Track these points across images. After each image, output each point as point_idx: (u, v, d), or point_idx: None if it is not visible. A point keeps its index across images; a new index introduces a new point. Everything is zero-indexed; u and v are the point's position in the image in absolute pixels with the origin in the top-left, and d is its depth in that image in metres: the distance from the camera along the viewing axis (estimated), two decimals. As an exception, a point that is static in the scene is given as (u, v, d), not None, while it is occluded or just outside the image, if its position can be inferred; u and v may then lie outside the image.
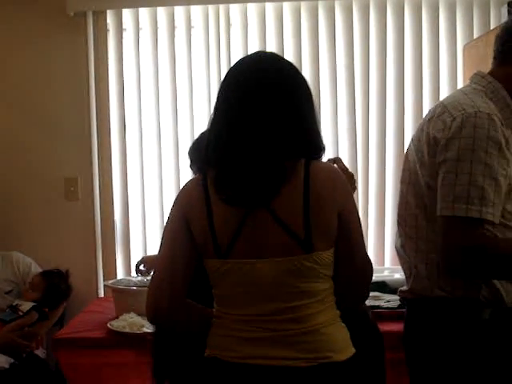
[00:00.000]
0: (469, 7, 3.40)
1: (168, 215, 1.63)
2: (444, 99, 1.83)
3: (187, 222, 1.58)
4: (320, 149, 1.61)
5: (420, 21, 3.41)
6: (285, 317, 1.54)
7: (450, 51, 3.42)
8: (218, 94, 1.61)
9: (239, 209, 1.53)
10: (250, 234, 1.54)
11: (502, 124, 1.66)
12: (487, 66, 2.96)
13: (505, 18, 2.93)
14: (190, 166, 2.13)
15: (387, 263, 3.47)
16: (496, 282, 1.71)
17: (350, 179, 1.83)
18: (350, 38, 3.41)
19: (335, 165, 1.85)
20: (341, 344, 1.57)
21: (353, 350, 1.58)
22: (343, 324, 1.61)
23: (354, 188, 1.94)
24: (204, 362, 1.62)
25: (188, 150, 2.17)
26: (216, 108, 1.60)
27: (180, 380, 1.91)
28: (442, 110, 1.73)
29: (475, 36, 3.36)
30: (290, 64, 1.63)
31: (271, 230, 1.52)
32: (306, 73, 3.36)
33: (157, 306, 1.59)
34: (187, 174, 3.37)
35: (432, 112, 1.79)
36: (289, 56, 3.39)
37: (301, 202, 1.51)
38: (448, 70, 3.42)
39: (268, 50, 3.38)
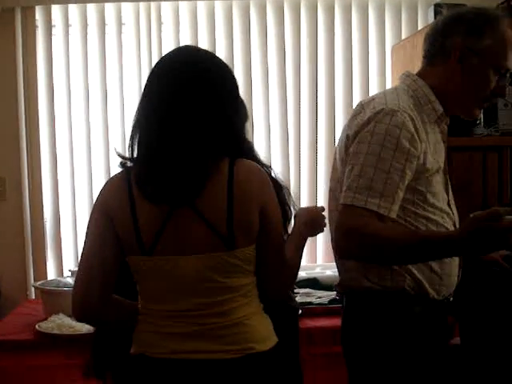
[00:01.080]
0: (397, 8, 3.48)
1: (90, 211, 1.62)
2: (364, 99, 1.88)
3: (110, 218, 1.57)
4: (246, 148, 1.64)
5: (350, 21, 3.47)
6: (209, 311, 1.56)
7: (378, 51, 3.49)
8: (144, 89, 1.62)
9: (163, 206, 1.53)
10: (173, 231, 1.54)
11: (415, 120, 1.71)
12: (414, 66, 3.03)
13: (432, 19, 3.01)
14: None
15: (319, 260, 3.51)
16: (416, 272, 1.77)
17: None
18: (281, 36, 3.43)
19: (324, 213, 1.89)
20: (263, 334, 1.61)
21: (275, 339, 1.63)
22: (266, 315, 1.65)
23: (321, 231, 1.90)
24: (131, 359, 1.62)
25: None
26: (140, 104, 1.60)
27: (116, 377, 1.89)
28: (359, 109, 1.79)
29: (403, 37, 3.43)
30: (213, 57, 1.68)
31: (195, 228, 1.54)
32: (238, 71, 3.38)
33: (84, 304, 1.59)
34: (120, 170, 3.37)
35: (353, 112, 1.85)
36: (220, 54, 3.38)
37: (225, 199, 1.53)
38: (377, 70, 3.49)
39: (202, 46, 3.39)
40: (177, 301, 1.57)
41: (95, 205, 1.61)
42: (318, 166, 3.48)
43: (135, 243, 1.55)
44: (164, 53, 3.28)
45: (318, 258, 3.52)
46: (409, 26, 3.48)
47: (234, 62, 3.39)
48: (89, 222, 1.62)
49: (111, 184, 1.63)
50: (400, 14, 3.49)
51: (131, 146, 1.59)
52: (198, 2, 3.39)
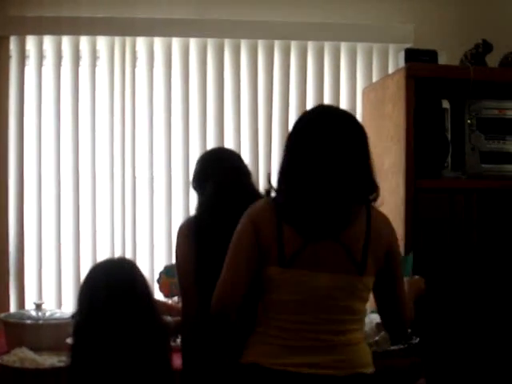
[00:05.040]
0: (369, 52, 3.55)
1: (237, 229, 1.84)
2: None
3: (256, 233, 1.80)
4: (376, 193, 1.88)
5: (322, 63, 3.52)
6: (328, 327, 1.77)
7: (350, 94, 3.54)
8: (295, 133, 1.87)
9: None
10: (313, 250, 1.77)
11: None
12: (385, 108, 3.12)
13: (402, 63, 3.08)
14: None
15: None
16: None
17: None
18: (255, 77, 3.47)
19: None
20: (369, 359, 1.84)
21: (373, 367, 1.84)
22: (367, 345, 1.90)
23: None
24: (242, 368, 1.81)
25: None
26: (292, 146, 1.86)
27: None
28: None
29: (374, 80, 3.50)
30: (351, 115, 1.91)
31: (334, 251, 1.78)
32: (210, 108, 3.41)
33: (231, 305, 1.81)
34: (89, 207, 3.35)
35: None
36: (193, 90, 3.43)
37: (363, 235, 1.80)
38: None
39: (173, 84, 3.42)
40: (303, 313, 1.77)
41: (245, 220, 1.84)
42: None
43: (276, 255, 1.77)
44: (137, 88, 3.37)
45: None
46: (380, 69, 3.54)
47: (207, 99, 3.43)
48: (238, 233, 1.83)
49: (259, 205, 1.87)
50: (371, 58, 3.55)
51: (282, 180, 1.84)
52: (174, 39, 3.42)
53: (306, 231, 1.78)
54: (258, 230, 1.79)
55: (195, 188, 2.44)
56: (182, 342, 2.33)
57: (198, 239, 2.24)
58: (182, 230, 2.32)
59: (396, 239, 1.92)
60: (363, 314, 1.87)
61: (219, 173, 2.35)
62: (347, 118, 1.89)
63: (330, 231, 1.78)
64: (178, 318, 2.39)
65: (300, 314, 1.77)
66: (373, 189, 1.86)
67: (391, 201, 3.04)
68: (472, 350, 2.96)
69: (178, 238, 2.32)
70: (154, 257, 3.40)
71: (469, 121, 3.03)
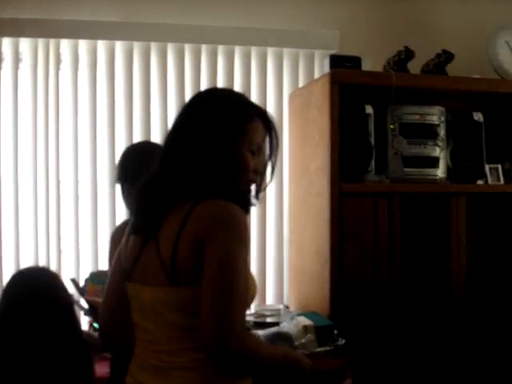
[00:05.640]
0: (295, 57, 3.58)
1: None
2: None
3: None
4: (217, 192, 1.59)
5: (249, 68, 3.53)
6: (158, 348, 1.59)
7: (277, 99, 3.57)
8: None
9: (140, 237, 1.65)
10: (143, 261, 1.63)
11: None
12: (310, 113, 3.16)
13: (327, 69, 3.13)
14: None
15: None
16: None
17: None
18: (182, 80, 3.44)
19: None
20: None
21: None
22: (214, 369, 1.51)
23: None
24: None
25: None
26: None
27: None
28: None
29: (300, 85, 3.54)
30: (203, 101, 1.71)
31: (153, 260, 1.58)
32: (136, 111, 3.38)
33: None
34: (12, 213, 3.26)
35: None
36: (120, 94, 3.39)
37: (174, 237, 1.54)
38: (275, 116, 3.54)
39: (98, 87, 3.37)
40: (144, 329, 1.63)
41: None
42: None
43: (124, 270, 1.69)
44: (61, 91, 3.30)
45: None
46: (306, 74, 3.58)
47: (133, 101, 3.40)
48: None
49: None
50: (297, 63, 3.59)
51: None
52: (99, 42, 3.37)
53: (131, 232, 1.69)
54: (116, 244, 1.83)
55: (124, 181, 2.39)
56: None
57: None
58: (113, 236, 2.23)
59: (219, 232, 1.51)
60: (195, 329, 1.50)
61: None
62: (196, 103, 1.71)
63: (146, 232, 1.62)
64: None
65: (142, 331, 1.64)
66: (207, 183, 1.60)
67: (317, 204, 3.08)
68: (397, 349, 3.02)
69: (110, 242, 2.24)
70: (80, 263, 3.34)
71: (391, 126, 3.11)
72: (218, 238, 1.50)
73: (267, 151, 1.73)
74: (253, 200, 1.73)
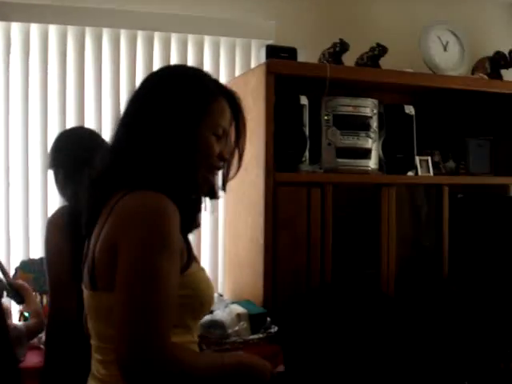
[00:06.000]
0: (232, 47, 3.59)
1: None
2: None
3: None
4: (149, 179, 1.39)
5: (186, 56, 3.51)
6: (96, 357, 1.45)
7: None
8: None
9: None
10: (84, 261, 1.48)
11: None
12: (247, 103, 3.16)
13: (263, 58, 3.15)
14: None
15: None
16: None
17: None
18: (117, 67, 3.40)
19: None
20: None
21: None
22: None
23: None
24: None
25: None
26: None
27: None
28: None
29: (237, 74, 3.55)
30: (153, 83, 1.50)
31: (86, 261, 1.45)
32: (70, 97, 3.33)
33: None
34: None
35: None
36: (70, 78, 3.34)
37: (97, 236, 1.40)
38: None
39: (50, 72, 3.30)
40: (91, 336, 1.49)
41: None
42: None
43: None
44: (11, 75, 3.20)
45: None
46: (243, 64, 3.60)
47: (85, 87, 3.34)
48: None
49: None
50: (234, 52, 3.60)
51: None
52: (50, 26, 3.29)
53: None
54: None
55: (56, 167, 2.34)
56: (46, 339, 2.25)
57: (73, 232, 2.13)
58: (53, 222, 2.21)
59: (131, 231, 1.31)
60: None
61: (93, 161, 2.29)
62: (150, 82, 1.51)
63: (86, 231, 1.49)
64: (34, 321, 2.33)
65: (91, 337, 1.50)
66: (150, 170, 1.39)
67: (252, 193, 3.11)
68: (329, 336, 3.08)
69: (48, 230, 2.20)
70: (11, 251, 3.27)
71: (325, 117, 3.16)
72: (130, 239, 1.29)
73: (233, 137, 1.55)
74: (218, 192, 1.55)
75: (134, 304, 1.26)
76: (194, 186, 1.47)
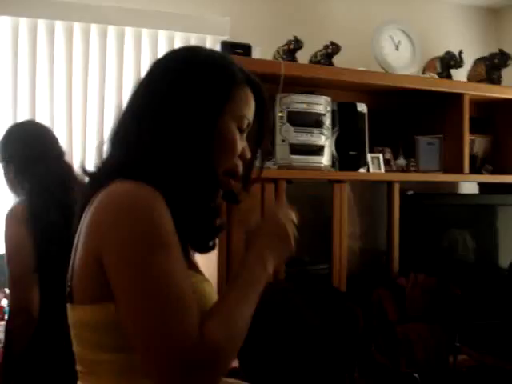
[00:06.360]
0: (186, 42, 3.57)
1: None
2: None
3: None
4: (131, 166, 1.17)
5: (139, 50, 3.49)
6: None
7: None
8: None
9: None
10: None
11: None
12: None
13: (218, 55, 3.15)
14: None
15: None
16: None
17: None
18: (70, 61, 3.35)
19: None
20: None
21: None
22: None
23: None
24: None
25: None
26: None
27: None
28: None
29: (191, 70, 3.54)
30: (159, 63, 1.28)
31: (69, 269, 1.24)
32: (22, 91, 3.27)
33: None
34: None
35: None
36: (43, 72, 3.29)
37: (76, 236, 1.20)
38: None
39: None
40: None
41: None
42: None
43: None
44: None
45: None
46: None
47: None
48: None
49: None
50: (189, 48, 3.58)
51: None
52: (20, 19, 3.23)
53: None
54: None
55: (7, 161, 2.32)
56: (6, 333, 2.22)
57: (34, 226, 2.14)
58: (12, 217, 2.19)
59: (114, 237, 1.10)
60: (102, 365, 1.15)
61: (48, 156, 2.29)
62: (163, 67, 1.26)
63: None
64: None
65: None
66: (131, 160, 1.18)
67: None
68: (282, 330, 3.11)
69: (7, 225, 2.18)
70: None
71: (280, 114, 3.18)
72: (113, 247, 1.10)
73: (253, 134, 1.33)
74: (238, 195, 1.32)
75: (146, 316, 1.07)
76: (212, 187, 1.24)
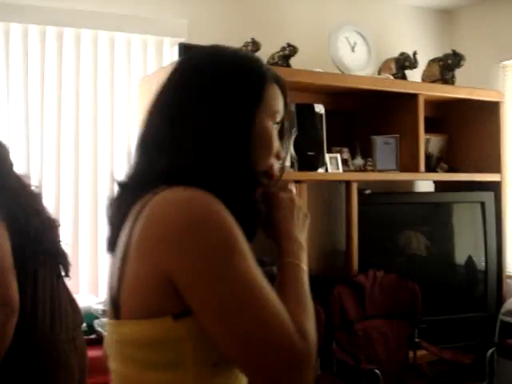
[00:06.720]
0: (144, 44, 3.57)
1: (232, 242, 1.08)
2: None
3: None
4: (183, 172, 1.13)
5: (97, 52, 3.47)
6: None
7: (126, 85, 3.54)
8: None
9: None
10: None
11: None
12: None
13: (176, 56, 3.16)
14: None
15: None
16: None
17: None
18: (26, 63, 3.32)
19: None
20: None
21: None
22: None
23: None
24: None
25: None
26: None
27: None
28: None
29: (149, 72, 3.54)
30: (190, 66, 1.25)
31: (111, 286, 1.17)
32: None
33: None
34: None
35: None
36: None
37: (123, 248, 1.12)
38: (125, 102, 3.52)
39: None
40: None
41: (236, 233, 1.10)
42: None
43: None
44: None
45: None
46: (156, 61, 3.58)
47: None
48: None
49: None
50: (146, 50, 3.58)
51: None
52: None
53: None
54: None
55: None
56: None
57: (13, 227, 2.21)
58: None
59: (179, 246, 1.04)
60: None
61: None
62: (190, 69, 1.24)
63: (109, 248, 1.22)
64: None
65: None
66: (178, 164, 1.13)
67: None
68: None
69: None
70: None
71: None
72: (191, 258, 1.04)
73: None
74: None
75: (247, 326, 1.03)
76: (255, 186, 1.22)
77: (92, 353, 2.45)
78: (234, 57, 1.26)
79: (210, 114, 1.16)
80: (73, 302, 2.41)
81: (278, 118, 1.24)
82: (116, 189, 1.22)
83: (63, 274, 2.39)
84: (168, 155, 1.14)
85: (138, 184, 1.16)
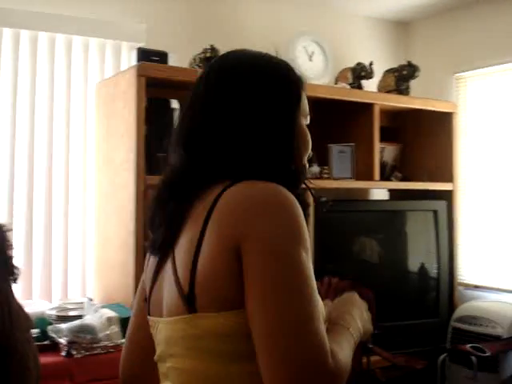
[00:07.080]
0: (102, 48, 3.54)
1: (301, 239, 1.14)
2: None
3: None
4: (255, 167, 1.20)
5: (53, 55, 3.42)
6: None
7: (83, 88, 3.50)
8: None
9: (156, 257, 1.27)
10: (158, 288, 1.25)
11: None
12: (116, 104, 3.16)
13: (134, 61, 3.15)
14: None
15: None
16: None
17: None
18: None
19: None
20: None
21: None
22: None
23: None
24: None
25: None
26: None
27: None
28: None
29: (106, 76, 3.52)
30: (237, 65, 1.37)
31: (169, 282, 1.19)
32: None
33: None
34: None
35: None
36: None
37: (195, 241, 1.13)
38: (81, 105, 3.49)
39: None
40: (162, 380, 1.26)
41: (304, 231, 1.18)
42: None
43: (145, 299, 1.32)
44: None
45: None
46: (113, 66, 3.56)
47: None
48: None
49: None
50: (104, 54, 3.56)
51: None
52: None
53: (149, 252, 1.31)
54: None
55: None
56: None
57: None
58: None
59: (259, 226, 1.08)
60: (228, 378, 1.10)
61: None
62: (231, 69, 1.37)
63: (161, 248, 1.23)
64: None
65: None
66: (242, 159, 1.21)
67: (122, 196, 3.10)
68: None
69: None
70: None
71: (196, 121, 3.19)
72: (263, 234, 1.07)
73: None
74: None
75: (295, 317, 1.04)
76: (299, 181, 1.33)
77: (45, 359, 2.42)
78: (273, 62, 1.37)
79: (260, 116, 1.23)
80: (21, 307, 2.39)
81: (308, 117, 1.36)
82: (159, 188, 1.26)
83: (12, 279, 2.35)
84: (226, 154, 1.20)
85: (191, 182, 1.20)
